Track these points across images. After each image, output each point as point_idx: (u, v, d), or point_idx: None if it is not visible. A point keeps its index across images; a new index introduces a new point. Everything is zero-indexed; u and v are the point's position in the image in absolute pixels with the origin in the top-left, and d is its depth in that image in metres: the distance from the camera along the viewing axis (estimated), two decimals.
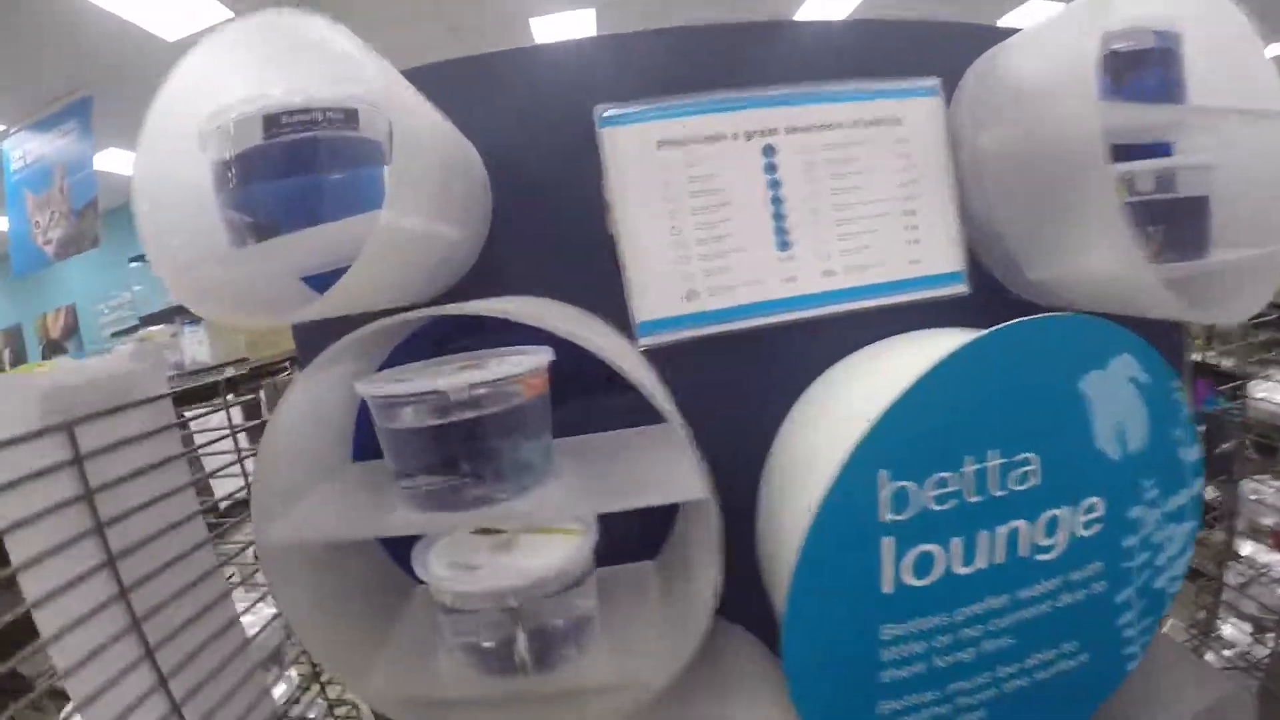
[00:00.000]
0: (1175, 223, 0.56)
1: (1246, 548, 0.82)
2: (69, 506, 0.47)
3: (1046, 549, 0.53)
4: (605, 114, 0.56)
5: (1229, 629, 0.78)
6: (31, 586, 0.46)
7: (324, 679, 0.82)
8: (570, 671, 0.46)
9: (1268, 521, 0.86)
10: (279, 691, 0.80)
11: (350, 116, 0.42)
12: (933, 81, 0.61)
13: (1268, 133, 0.57)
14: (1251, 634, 0.77)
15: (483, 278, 0.59)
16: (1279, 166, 0.58)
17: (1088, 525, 0.54)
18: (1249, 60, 0.59)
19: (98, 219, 2.04)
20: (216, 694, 0.56)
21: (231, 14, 2.97)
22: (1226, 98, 0.57)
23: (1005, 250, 0.61)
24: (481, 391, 0.41)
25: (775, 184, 0.59)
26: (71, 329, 4.11)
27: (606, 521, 0.50)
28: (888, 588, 0.49)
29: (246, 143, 0.41)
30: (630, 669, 0.46)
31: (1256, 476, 0.77)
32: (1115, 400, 0.53)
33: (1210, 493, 0.88)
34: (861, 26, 0.63)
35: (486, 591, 0.43)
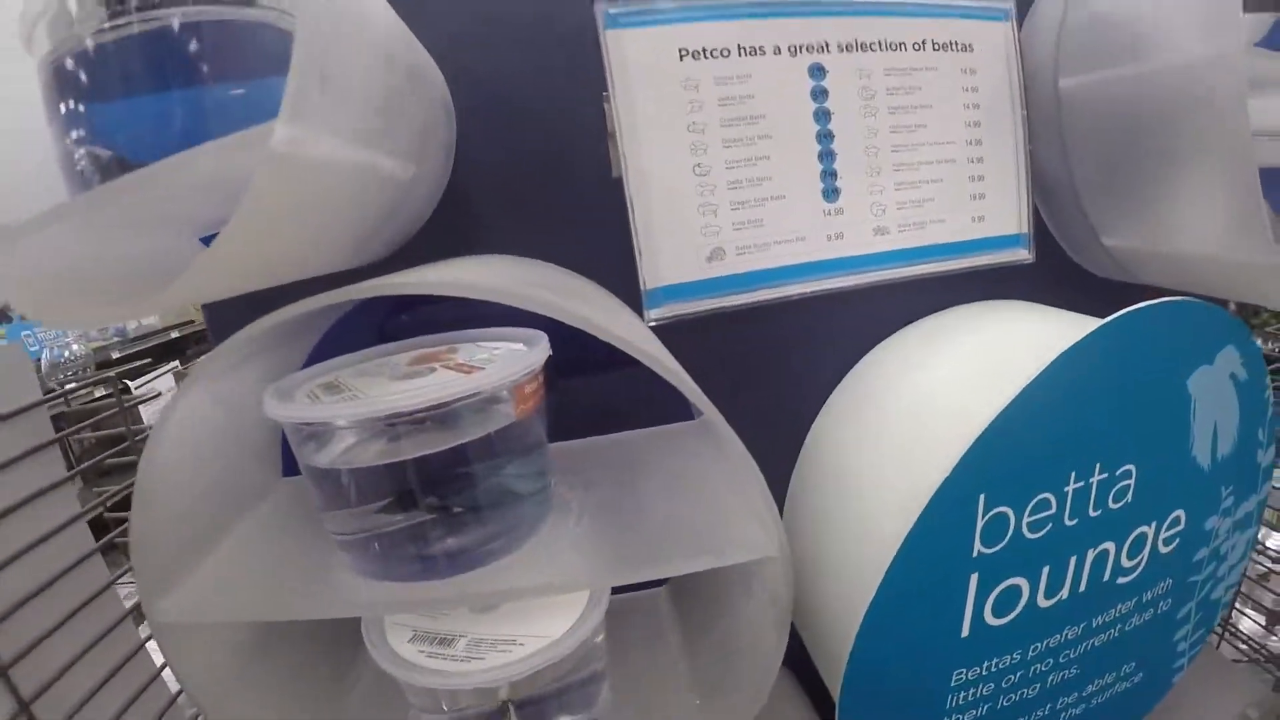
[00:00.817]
0: None
1: (1273, 539, 0.82)
2: None
3: (1129, 570, 0.47)
4: (612, 11, 0.43)
5: (1246, 622, 0.78)
6: None
7: None
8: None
9: None
10: None
11: None
12: (1007, 4, 0.52)
13: None
14: (1264, 626, 0.77)
15: (443, 233, 0.46)
16: None
17: (1169, 541, 0.49)
18: None
19: None
20: None
21: None
22: None
23: (1079, 211, 0.54)
24: (448, 410, 0.29)
25: (824, 115, 0.48)
26: None
27: None
28: (966, 631, 0.42)
29: (90, 33, 0.26)
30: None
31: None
32: (1215, 399, 0.47)
33: None
34: None
35: (474, 688, 0.32)
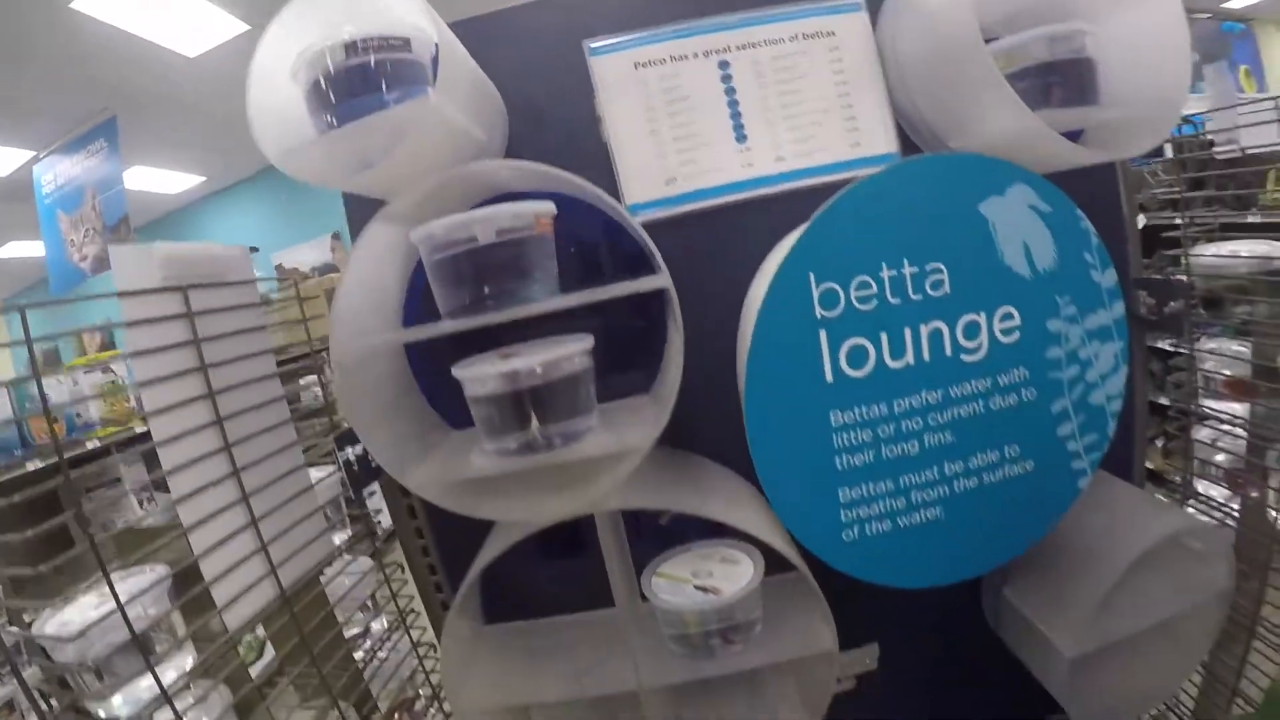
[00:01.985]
0: (1064, 79, 0.75)
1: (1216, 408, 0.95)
2: (181, 349, 0.71)
3: (970, 351, 0.71)
4: (593, 46, 0.80)
5: (1209, 488, 0.90)
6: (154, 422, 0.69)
7: (409, 623, 1.02)
8: (575, 449, 0.67)
9: (1225, 373, 0.99)
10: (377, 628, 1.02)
11: (405, 43, 0.67)
12: (857, 0, 0.84)
13: (1139, 15, 0.76)
14: (1226, 486, 0.89)
15: None
16: (1158, 40, 0.77)
17: (1007, 333, 0.72)
18: None
19: (131, 234, 2.41)
20: (288, 517, 0.78)
21: (248, 26, 3.46)
22: None
23: (930, 131, 0.82)
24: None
25: (731, 90, 0.81)
26: (106, 345, 4.72)
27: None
28: (830, 377, 0.68)
29: (329, 65, 0.66)
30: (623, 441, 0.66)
31: (1208, 330, 0.91)
32: (1016, 223, 0.71)
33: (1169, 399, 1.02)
34: None
35: (501, 372, 0.64)
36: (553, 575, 0.91)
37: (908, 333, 0.69)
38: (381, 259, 0.72)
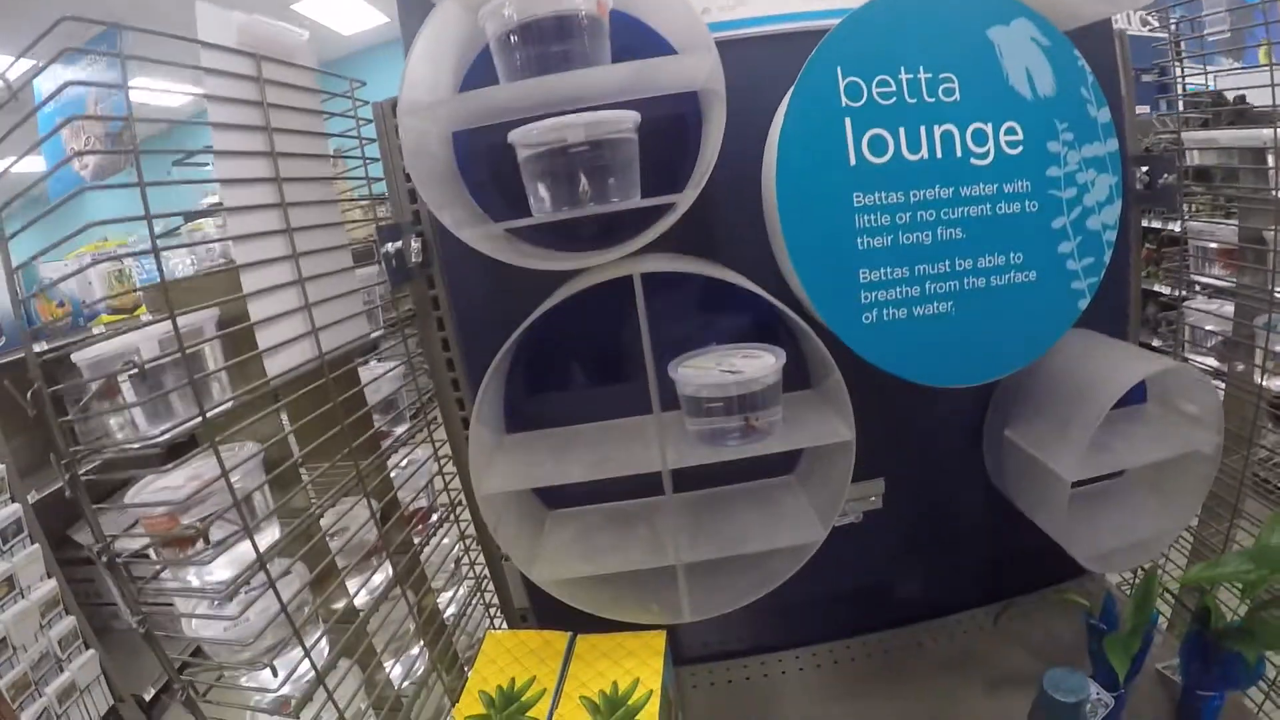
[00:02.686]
0: None
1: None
2: (250, 108, 0.82)
3: (979, 156, 0.84)
4: None
5: (1203, 358, 1.02)
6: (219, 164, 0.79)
7: (485, 589, 1.11)
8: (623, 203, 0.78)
9: (1213, 245, 1.12)
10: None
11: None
12: None
13: None
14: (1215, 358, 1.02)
15: None
16: None
17: (1011, 145, 0.85)
18: None
19: (134, 141, 2.52)
20: (331, 288, 0.88)
21: None
22: None
23: None
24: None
25: None
26: None
27: None
28: (853, 160, 0.80)
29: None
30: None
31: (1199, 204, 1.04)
32: (1020, 51, 0.84)
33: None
34: None
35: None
36: (572, 390, 1.01)
37: (922, 130, 0.81)
38: (441, 46, 0.83)
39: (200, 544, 0.76)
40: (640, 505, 1.00)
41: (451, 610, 1.12)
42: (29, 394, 0.65)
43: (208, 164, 0.79)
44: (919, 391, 0.87)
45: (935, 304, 0.85)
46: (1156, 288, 1.31)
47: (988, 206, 0.85)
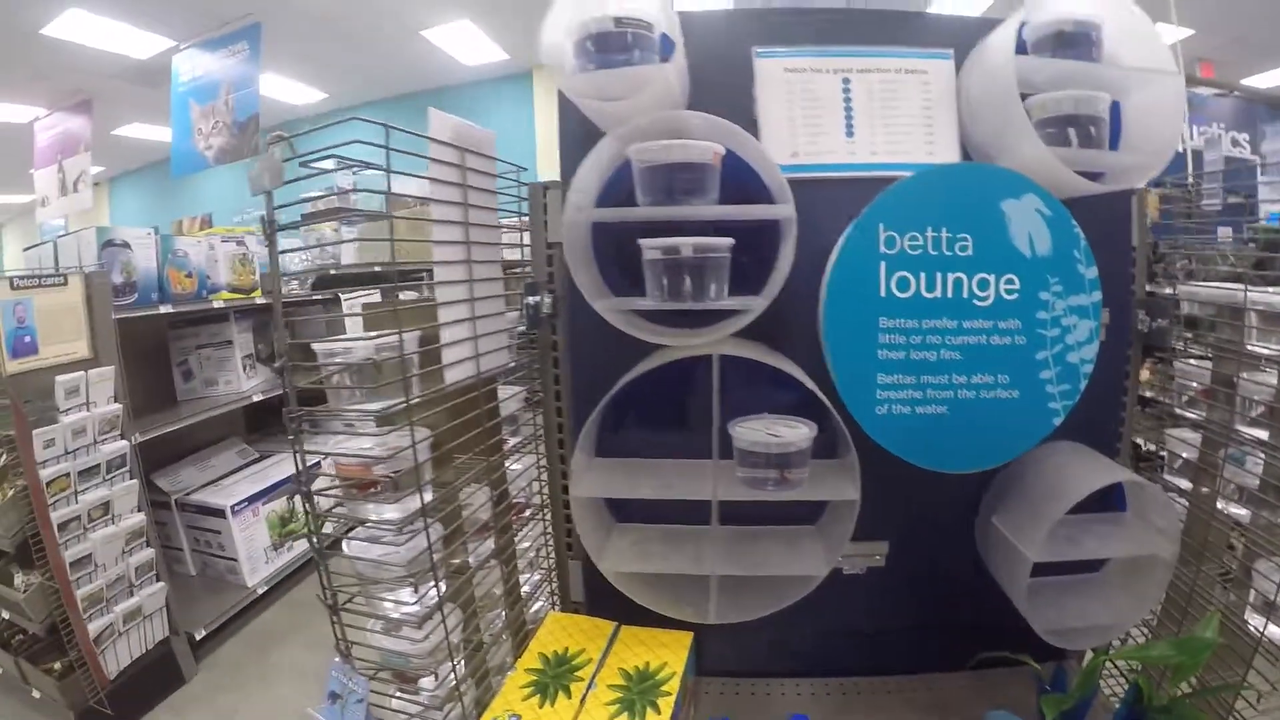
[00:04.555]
0: (1082, 130, 1.34)
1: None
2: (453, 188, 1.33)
3: (981, 299, 1.29)
4: (759, 50, 1.42)
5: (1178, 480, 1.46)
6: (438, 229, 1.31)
7: (551, 579, 1.61)
8: (715, 302, 1.26)
9: (1195, 385, 1.54)
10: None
11: (649, 25, 1.29)
12: (948, 51, 1.45)
13: (1149, 85, 1.35)
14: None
15: None
16: (1159, 111, 1.36)
17: (1009, 292, 1.29)
18: (1147, 41, 1.37)
19: (258, 133, 3.12)
20: (489, 325, 1.39)
21: None
22: (1127, 62, 1.37)
23: (983, 151, 1.41)
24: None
25: (848, 99, 1.42)
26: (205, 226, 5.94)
27: None
28: (883, 293, 1.27)
29: (599, 29, 1.28)
30: (746, 301, 1.26)
31: (1189, 345, 1.47)
32: (1025, 219, 1.29)
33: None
34: (904, 16, 1.48)
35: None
36: (649, 431, 1.50)
37: (938, 275, 1.27)
38: (599, 164, 1.34)
39: (379, 489, 1.26)
40: (688, 530, 1.48)
41: (525, 589, 1.62)
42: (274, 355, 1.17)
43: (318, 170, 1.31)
44: (922, 473, 1.32)
45: (933, 405, 1.31)
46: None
47: (983, 337, 1.30)
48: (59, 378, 2.60)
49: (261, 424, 4.74)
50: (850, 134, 1.41)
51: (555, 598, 1.69)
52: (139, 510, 2.79)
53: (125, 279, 2.89)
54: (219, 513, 3.59)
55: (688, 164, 1.25)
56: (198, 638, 3.21)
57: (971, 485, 1.51)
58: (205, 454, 4.04)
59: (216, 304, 3.05)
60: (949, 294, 1.28)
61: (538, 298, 1.43)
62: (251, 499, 3.73)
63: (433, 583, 1.28)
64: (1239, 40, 8.35)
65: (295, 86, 9.60)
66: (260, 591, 3.72)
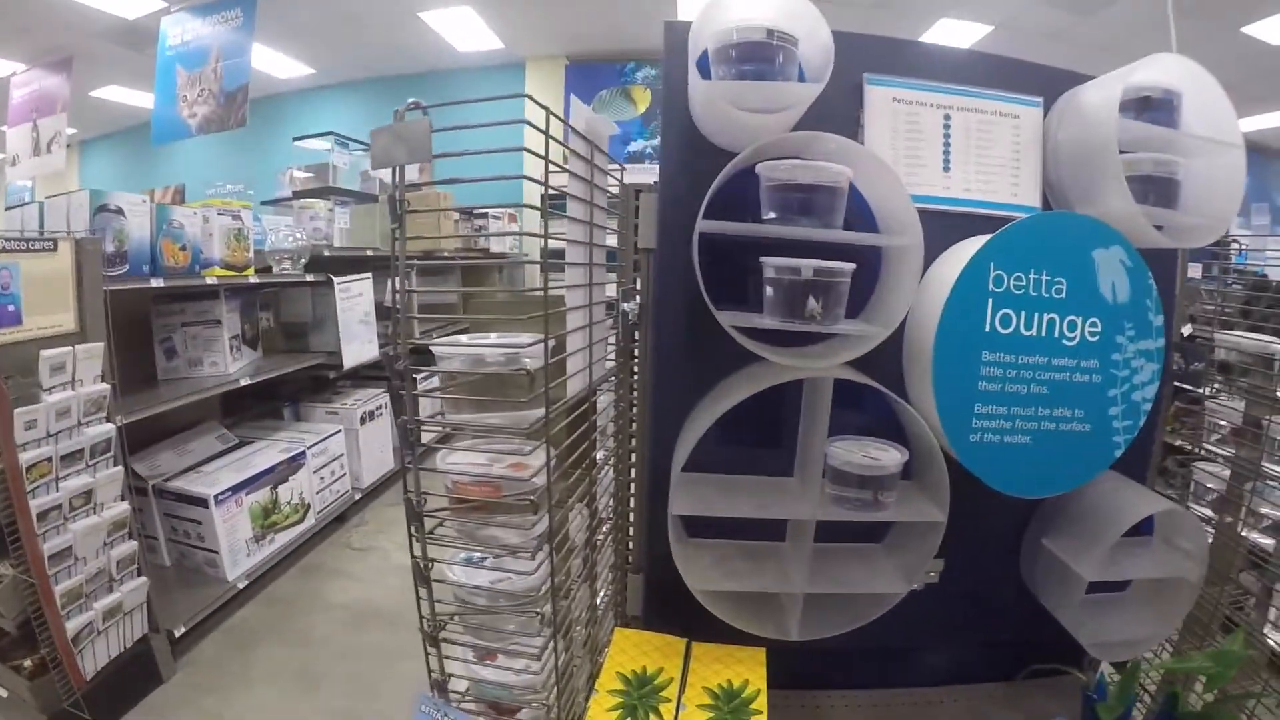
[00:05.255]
0: (1158, 190, 1.53)
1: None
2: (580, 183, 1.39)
3: (1069, 339, 1.45)
4: (870, 77, 1.54)
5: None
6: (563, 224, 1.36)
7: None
8: (838, 326, 1.37)
9: (1224, 424, 1.80)
10: None
11: (794, 41, 1.37)
12: (1038, 99, 1.61)
13: (1217, 155, 1.55)
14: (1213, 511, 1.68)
15: None
16: (1222, 179, 1.56)
17: (1092, 334, 1.46)
18: (1220, 113, 1.58)
19: (246, 104, 2.98)
20: (597, 336, 1.45)
21: None
22: (1198, 130, 1.57)
23: (1063, 196, 1.58)
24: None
25: (948, 135, 1.56)
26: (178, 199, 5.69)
27: None
28: (987, 328, 1.41)
29: (741, 39, 1.35)
30: (864, 330, 1.38)
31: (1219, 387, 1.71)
32: (1111, 268, 1.46)
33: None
34: (1001, 61, 1.63)
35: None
36: (731, 447, 1.59)
37: (1036, 315, 1.43)
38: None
39: (497, 511, 1.29)
40: (766, 546, 1.58)
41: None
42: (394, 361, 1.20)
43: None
44: (979, 495, 1.48)
45: (1019, 436, 1.47)
46: (1177, 442, 1.97)
47: (1067, 375, 1.47)
48: (44, 352, 2.44)
49: (238, 408, 4.55)
50: (947, 168, 1.55)
51: (614, 614, 1.75)
52: (122, 499, 2.63)
53: (117, 248, 2.75)
54: (202, 502, 3.45)
55: (818, 185, 1.34)
56: (176, 635, 3.08)
57: (1020, 508, 1.68)
58: (183, 438, 3.81)
59: (210, 280, 2.92)
60: (1043, 333, 1.44)
61: (630, 304, 1.49)
62: (235, 488, 3.63)
63: (550, 608, 1.33)
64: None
65: (279, 59, 9.42)
66: (240, 586, 3.56)
